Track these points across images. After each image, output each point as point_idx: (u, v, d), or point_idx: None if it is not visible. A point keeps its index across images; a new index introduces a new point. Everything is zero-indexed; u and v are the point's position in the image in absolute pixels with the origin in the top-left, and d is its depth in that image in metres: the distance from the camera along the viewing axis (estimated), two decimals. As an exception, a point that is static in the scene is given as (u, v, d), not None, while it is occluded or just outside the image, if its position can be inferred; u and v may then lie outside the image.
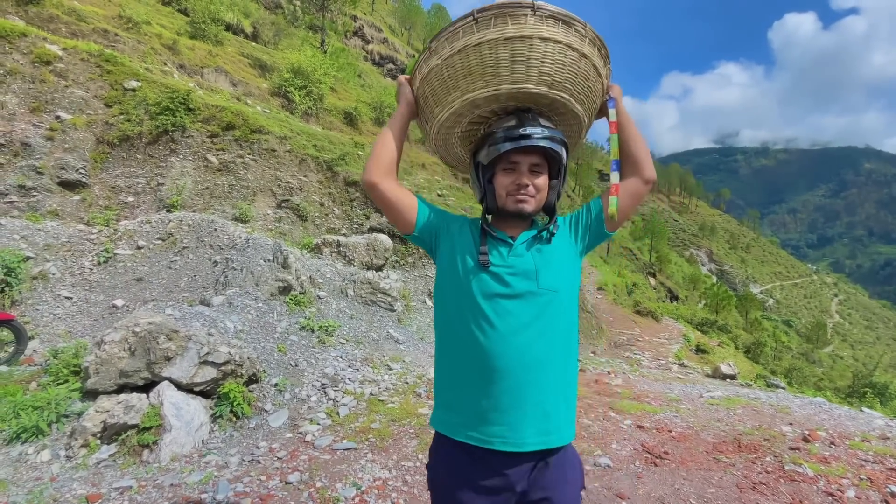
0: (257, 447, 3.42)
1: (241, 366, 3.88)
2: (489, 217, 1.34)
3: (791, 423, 4.53)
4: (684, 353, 13.08)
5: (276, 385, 4.17)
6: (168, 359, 3.59)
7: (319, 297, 6.27)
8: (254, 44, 22.36)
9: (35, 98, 8.16)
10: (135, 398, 3.41)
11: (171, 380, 3.55)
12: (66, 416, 3.41)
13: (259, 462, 3.22)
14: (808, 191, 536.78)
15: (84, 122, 8.45)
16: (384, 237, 8.34)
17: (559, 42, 1.17)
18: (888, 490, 3.09)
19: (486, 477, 1.19)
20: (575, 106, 1.27)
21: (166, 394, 3.45)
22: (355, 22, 37.52)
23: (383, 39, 42.10)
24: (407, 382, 4.79)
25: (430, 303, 8.22)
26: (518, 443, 1.17)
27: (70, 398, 3.54)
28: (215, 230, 7.37)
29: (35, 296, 5.84)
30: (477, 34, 1.18)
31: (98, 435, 3.25)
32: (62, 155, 7.93)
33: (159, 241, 7.19)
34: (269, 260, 6.07)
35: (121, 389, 3.54)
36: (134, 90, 9.28)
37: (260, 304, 5.38)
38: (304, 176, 10.05)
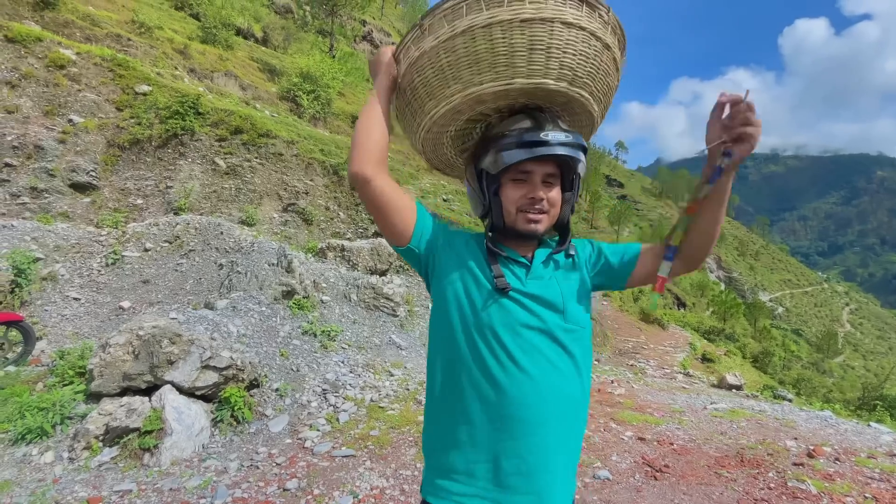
0: (257, 452, 3.44)
1: (243, 370, 3.91)
2: (491, 234, 1.10)
3: (796, 438, 4.47)
4: (690, 361, 12.96)
5: (277, 390, 4.20)
6: (171, 363, 3.63)
7: (323, 302, 6.30)
8: (263, 48, 22.61)
9: (49, 101, 8.30)
10: (137, 401, 3.45)
11: (173, 384, 3.59)
12: (70, 418, 3.46)
13: (258, 468, 3.24)
14: (818, 198, 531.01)
15: (96, 126, 8.58)
16: (389, 242, 8.37)
17: (583, 29, 0.98)
18: (892, 509, 3.05)
19: None
20: (593, 106, 1.10)
21: (168, 398, 3.48)
22: (364, 27, 37.79)
23: (392, 44, 42.35)
24: (408, 389, 4.80)
25: (433, 308, 8.22)
26: None
27: (74, 400, 3.59)
28: (221, 233, 7.44)
29: (44, 297, 5.92)
30: (486, 12, 0.96)
31: (100, 437, 3.29)
32: (74, 158, 8.06)
33: (166, 244, 7.27)
34: (273, 264, 6.11)
35: (124, 392, 3.58)
36: (145, 94, 9.41)
37: (263, 308, 5.42)
38: (311, 180, 10.12)
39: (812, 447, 4.08)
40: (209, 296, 6.05)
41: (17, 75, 8.09)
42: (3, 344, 4.57)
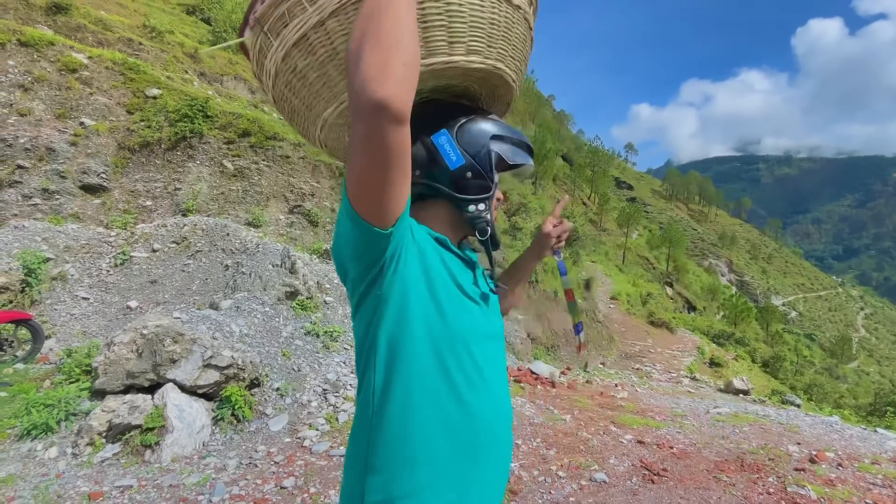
0: (256, 451, 3.48)
1: (244, 369, 3.96)
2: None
3: (799, 443, 4.43)
4: (697, 366, 12.84)
5: (277, 389, 4.25)
6: (173, 361, 3.69)
7: (326, 303, 6.35)
8: (273, 51, 22.83)
9: (61, 105, 8.48)
10: (140, 399, 3.51)
11: (175, 382, 3.65)
12: (75, 415, 3.53)
13: (256, 466, 3.28)
14: (833, 201, 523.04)
15: (107, 129, 8.75)
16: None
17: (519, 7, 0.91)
18: (893, 516, 3.01)
19: None
20: (515, 90, 1.04)
21: (170, 396, 3.54)
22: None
23: None
24: (408, 390, 4.82)
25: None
26: None
27: (79, 397, 3.66)
28: (228, 235, 7.54)
29: (54, 296, 6.05)
30: None
31: (104, 434, 3.35)
32: (85, 160, 8.21)
33: (174, 245, 7.38)
34: (277, 265, 6.18)
35: (127, 390, 3.65)
36: (155, 97, 9.57)
37: (267, 309, 5.48)
38: (317, 182, 10.21)
39: (815, 452, 4.03)
40: (214, 296, 6.13)
41: (30, 79, 8.27)
42: (12, 342, 4.68)
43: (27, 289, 5.69)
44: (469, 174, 0.91)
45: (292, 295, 5.91)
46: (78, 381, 3.87)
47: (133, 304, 6.20)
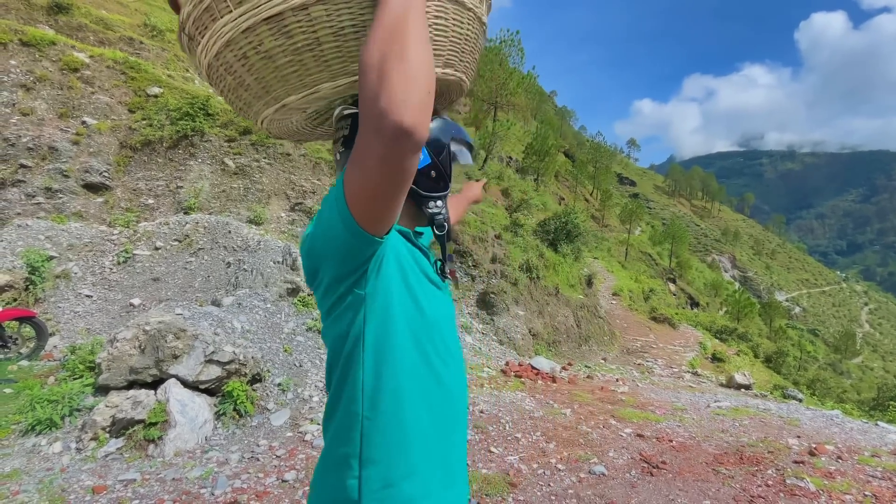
0: (258, 445, 3.52)
1: (245, 365, 3.99)
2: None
3: (799, 436, 4.43)
4: (699, 361, 12.83)
5: (279, 384, 4.28)
6: (175, 357, 3.72)
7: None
8: (274, 49, 22.83)
9: (63, 104, 8.52)
10: (143, 394, 3.55)
11: (177, 377, 3.68)
12: (79, 410, 3.57)
13: (258, 459, 3.31)
14: (836, 196, 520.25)
15: (108, 127, 8.78)
16: (394, 240, 8.44)
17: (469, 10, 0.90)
18: (891, 507, 3.02)
19: None
20: (466, 86, 1.05)
21: (173, 391, 3.58)
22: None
23: None
24: (409, 385, 4.85)
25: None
26: None
27: (83, 393, 3.70)
28: (230, 232, 7.57)
29: (57, 294, 6.09)
30: None
31: (107, 429, 3.39)
32: (87, 159, 8.25)
33: (176, 243, 7.42)
34: (278, 262, 6.21)
35: (130, 385, 3.69)
36: (156, 96, 9.60)
37: (268, 305, 5.51)
38: (318, 179, 10.23)
39: (815, 445, 4.04)
40: (216, 293, 6.17)
41: (31, 78, 8.31)
42: (16, 339, 4.73)
43: (31, 287, 5.74)
44: (433, 173, 0.96)
45: (294, 291, 5.94)
46: (82, 377, 3.91)
47: (136, 301, 6.24)
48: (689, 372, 10.98)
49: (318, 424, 3.87)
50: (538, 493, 3.11)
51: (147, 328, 3.81)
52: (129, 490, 2.88)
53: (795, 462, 3.71)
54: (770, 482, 3.35)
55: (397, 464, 0.84)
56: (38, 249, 6.15)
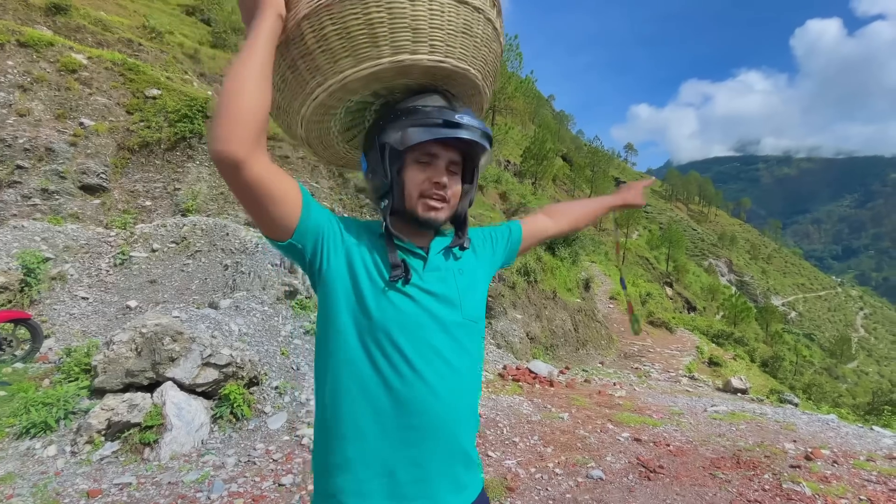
0: (254, 448, 3.50)
1: (243, 368, 3.98)
2: (390, 219, 0.98)
3: (795, 441, 4.45)
4: (696, 365, 12.86)
5: (276, 388, 4.26)
6: (172, 360, 3.70)
7: (319, 305, 6.37)
8: (273, 52, 22.89)
9: (60, 105, 8.50)
10: (139, 397, 3.53)
11: (174, 380, 3.66)
12: (74, 413, 3.54)
13: (255, 463, 3.30)
14: (832, 201, 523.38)
15: (106, 129, 8.76)
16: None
17: (479, 10, 0.95)
18: (887, 512, 3.03)
19: None
20: (487, 94, 1.08)
21: (169, 394, 3.56)
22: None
23: None
24: (406, 389, 4.84)
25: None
26: None
27: (79, 396, 3.67)
28: (227, 234, 7.55)
29: (53, 296, 6.06)
30: None
31: (102, 432, 3.37)
32: (84, 160, 8.23)
33: (173, 245, 7.39)
34: (276, 265, 6.20)
35: (126, 388, 3.66)
36: (154, 98, 9.59)
37: (266, 308, 5.50)
38: (316, 182, 10.23)
39: (811, 450, 4.05)
40: (213, 296, 6.15)
41: (29, 79, 8.29)
42: (11, 341, 4.70)
43: (26, 288, 5.70)
44: (370, 175, 0.99)
45: (291, 294, 5.93)
46: (77, 379, 3.88)
47: (132, 303, 6.21)
48: (686, 376, 11.00)
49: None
50: (536, 498, 3.11)
51: (143, 331, 3.79)
52: (124, 494, 2.86)
53: (792, 466, 3.72)
54: (767, 486, 3.36)
55: (333, 453, 0.90)
56: (33, 251, 6.12)
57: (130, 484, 2.94)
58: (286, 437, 3.71)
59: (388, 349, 0.89)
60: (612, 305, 19.52)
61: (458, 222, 1.07)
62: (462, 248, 1.05)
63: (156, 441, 3.33)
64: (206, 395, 3.83)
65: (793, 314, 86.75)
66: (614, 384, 7.30)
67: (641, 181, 1.52)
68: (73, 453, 3.22)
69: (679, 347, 15.53)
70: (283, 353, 4.82)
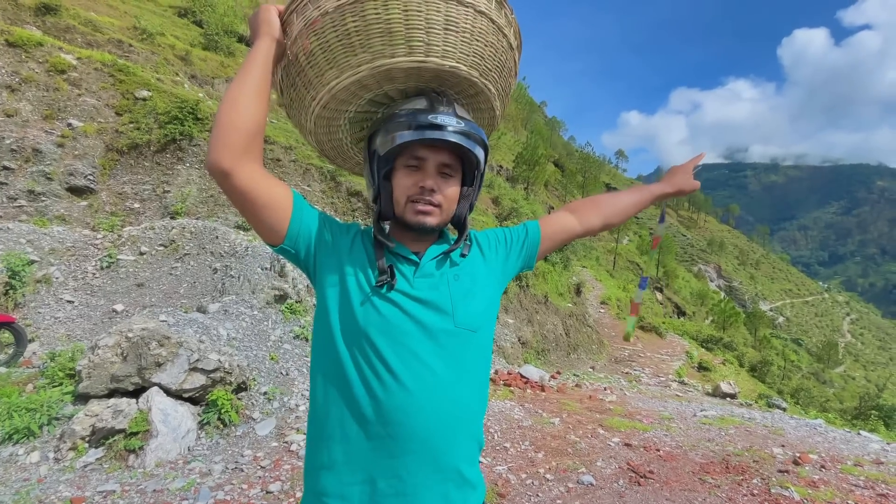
0: (242, 455, 3.45)
1: (231, 373, 3.93)
2: (385, 226, 0.97)
3: (783, 445, 4.48)
4: (686, 370, 12.95)
5: (265, 393, 4.22)
6: (158, 365, 3.65)
7: (315, 306, 6.32)
8: (265, 55, 22.80)
9: (48, 106, 8.39)
10: (124, 403, 3.47)
11: (160, 386, 3.61)
12: (58, 419, 3.47)
13: (242, 470, 3.25)
14: (818, 208, 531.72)
15: (95, 130, 8.66)
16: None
17: (493, 22, 0.95)
18: (873, 516, 3.06)
19: None
20: (496, 103, 1.07)
21: (155, 399, 3.50)
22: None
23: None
24: (397, 394, 4.82)
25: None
26: None
27: (62, 401, 3.60)
28: (217, 237, 7.48)
29: (38, 299, 5.95)
30: None
31: (86, 438, 3.30)
32: (72, 161, 8.12)
33: (162, 248, 7.30)
34: (266, 268, 6.15)
35: (112, 394, 3.60)
36: (144, 99, 9.50)
37: (255, 312, 5.45)
38: (308, 186, 10.19)
39: (798, 455, 4.09)
40: (202, 299, 6.07)
41: (17, 79, 8.18)
42: (-6, 345, 4.60)
43: (11, 291, 5.60)
44: (367, 182, 1.02)
45: (281, 298, 5.88)
46: (61, 385, 3.81)
47: (119, 307, 6.12)
48: (675, 381, 11.06)
49: (304, 434, 3.82)
50: (526, 504, 3.10)
51: (130, 335, 3.73)
52: (108, 502, 2.80)
53: (780, 471, 3.75)
54: (755, 491, 3.37)
55: (320, 452, 0.92)
56: (18, 253, 6.01)
57: (114, 491, 2.89)
58: (275, 444, 3.66)
59: (371, 356, 0.89)
60: (602, 310, 19.61)
61: (458, 227, 1.04)
62: (462, 255, 1.01)
63: (141, 448, 3.27)
64: (193, 400, 3.78)
65: (780, 319, 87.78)
66: (605, 389, 7.32)
67: (689, 161, 1.31)
68: (57, 460, 3.15)
69: (669, 352, 15.63)
70: (272, 358, 4.77)
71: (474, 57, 0.95)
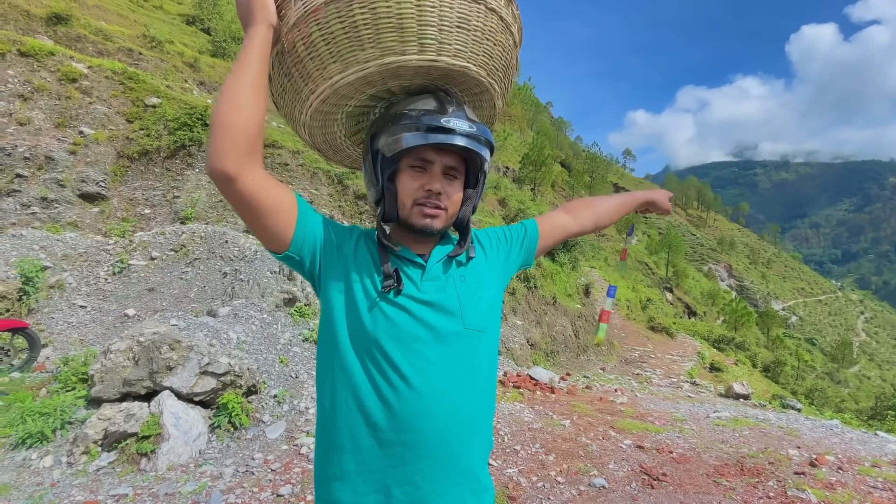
0: (253, 458, 3.46)
1: (241, 377, 3.94)
2: (386, 228, 0.96)
3: (799, 447, 4.40)
4: (697, 370, 12.80)
5: (275, 396, 4.23)
6: (170, 368, 3.67)
7: (320, 314, 6.34)
8: (272, 60, 23.02)
9: (60, 114, 8.52)
10: (136, 407, 3.49)
11: (171, 389, 3.63)
12: (71, 423, 3.51)
13: (253, 473, 3.26)
14: (830, 205, 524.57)
15: (106, 137, 8.78)
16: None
17: (502, 19, 0.93)
18: (894, 519, 2.99)
19: None
20: (499, 101, 1.05)
21: (166, 403, 3.52)
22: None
23: None
24: (406, 396, 4.81)
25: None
26: None
27: (75, 405, 3.64)
28: (226, 242, 7.53)
29: (51, 304, 6.03)
30: None
31: (99, 442, 3.33)
32: (84, 168, 8.23)
33: (172, 253, 7.37)
34: (275, 272, 6.18)
35: (124, 398, 3.63)
36: (154, 106, 9.61)
37: (264, 316, 5.47)
38: (315, 189, 10.24)
39: (815, 456, 4.01)
40: (212, 303, 6.12)
41: (29, 88, 8.32)
42: (8, 350, 4.66)
43: (24, 297, 5.68)
44: (367, 182, 0.99)
45: (290, 301, 5.90)
46: (74, 389, 3.85)
47: (131, 312, 6.18)
48: (687, 382, 10.94)
49: (314, 437, 3.82)
50: (538, 507, 3.07)
51: (141, 339, 3.76)
52: (120, 505, 2.82)
53: (796, 473, 3.68)
54: (771, 494, 3.32)
55: (332, 463, 0.89)
56: (32, 259, 6.10)
57: (127, 495, 2.90)
58: (285, 447, 3.67)
59: (382, 362, 0.87)
60: (612, 311, 19.47)
61: (460, 229, 1.02)
62: (469, 258, 1.00)
63: (153, 451, 3.29)
64: (203, 404, 3.80)
65: (793, 319, 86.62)
66: (616, 390, 7.26)
67: (665, 192, 1.45)
68: (70, 464, 3.18)
69: (680, 353, 15.47)
70: (282, 361, 4.78)
71: (484, 56, 0.92)
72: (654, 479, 3.51)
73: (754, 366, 21.36)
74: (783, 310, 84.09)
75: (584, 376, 9.55)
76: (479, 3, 0.88)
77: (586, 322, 13.92)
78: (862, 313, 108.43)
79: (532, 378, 6.67)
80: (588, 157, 61.27)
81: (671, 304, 39.03)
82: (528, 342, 10.77)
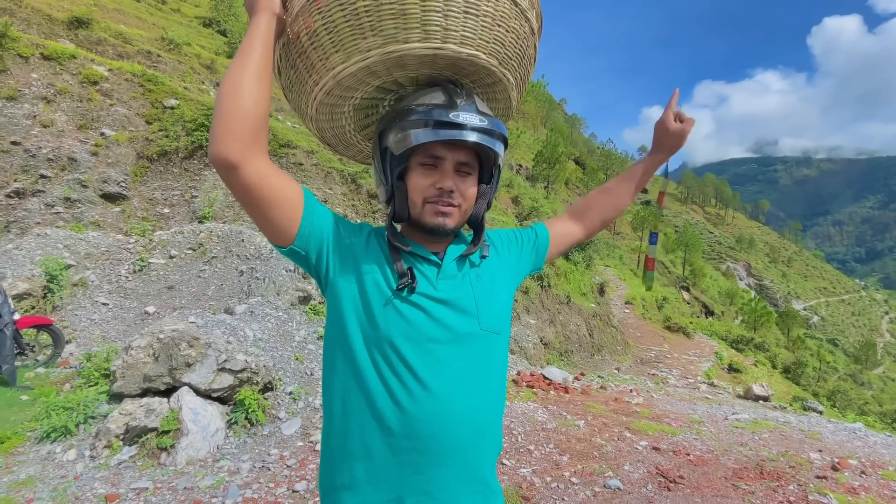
0: (269, 454, 3.51)
1: (257, 373, 4.00)
2: (397, 227, 0.94)
3: (820, 450, 4.30)
4: (715, 371, 12.59)
5: (290, 393, 4.28)
6: (188, 365, 3.74)
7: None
8: (287, 61, 23.25)
9: (82, 116, 8.72)
10: (156, 402, 3.57)
11: (190, 385, 3.70)
12: (93, 418, 3.60)
13: (269, 469, 3.30)
14: (854, 202, 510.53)
15: (126, 139, 8.97)
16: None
17: (516, 4, 0.88)
18: (921, 526, 2.90)
19: None
20: (514, 93, 0.99)
21: (185, 399, 3.59)
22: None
23: None
24: (420, 395, 4.82)
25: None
26: None
27: (98, 400, 3.74)
28: (243, 241, 7.64)
29: (74, 302, 6.19)
30: None
31: (121, 436, 3.41)
32: (105, 169, 8.42)
33: (190, 251, 7.51)
34: (290, 270, 6.24)
35: (144, 393, 3.71)
36: (172, 108, 9.79)
37: (280, 314, 5.54)
38: (329, 188, 10.31)
39: (837, 460, 3.92)
40: (229, 301, 6.21)
41: (52, 91, 8.53)
42: (33, 346, 4.80)
43: (49, 295, 5.84)
44: (378, 181, 0.95)
45: (305, 300, 5.96)
46: (97, 384, 3.95)
47: (151, 309, 6.31)
48: (704, 383, 10.77)
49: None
50: (552, 507, 3.05)
51: (161, 336, 3.84)
52: (140, 499, 2.88)
53: (818, 477, 3.60)
54: (792, 498, 3.25)
55: (340, 471, 0.85)
56: (56, 258, 6.27)
57: (147, 488, 2.97)
58: (300, 443, 3.71)
59: (396, 363, 0.83)
60: (627, 310, 19.25)
61: (474, 227, 0.99)
62: (483, 256, 0.97)
63: (172, 446, 3.36)
64: (221, 400, 3.86)
65: (815, 319, 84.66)
66: (631, 391, 7.18)
67: (666, 109, 1.17)
68: (92, 457, 3.26)
69: (697, 353, 15.23)
70: (297, 359, 4.84)
71: (494, 44, 0.87)
72: (671, 482, 3.46)
73: (774, 367, 20.93)
74: (804, 310, 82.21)
75: (599, 376, 9.47)
76: None
77: (601, 321, 13.80)
78: (886, 313, 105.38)
79: (546, 378, 6.63)
80: (602, 154, 60.70)
81: (688, 303, 38.43)
82: (541, 341, 10.71)
